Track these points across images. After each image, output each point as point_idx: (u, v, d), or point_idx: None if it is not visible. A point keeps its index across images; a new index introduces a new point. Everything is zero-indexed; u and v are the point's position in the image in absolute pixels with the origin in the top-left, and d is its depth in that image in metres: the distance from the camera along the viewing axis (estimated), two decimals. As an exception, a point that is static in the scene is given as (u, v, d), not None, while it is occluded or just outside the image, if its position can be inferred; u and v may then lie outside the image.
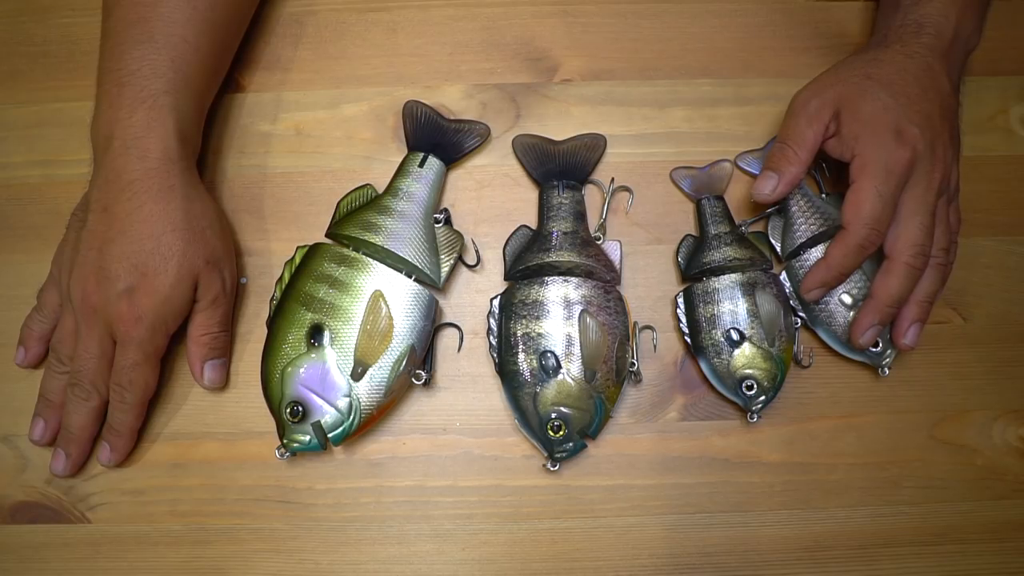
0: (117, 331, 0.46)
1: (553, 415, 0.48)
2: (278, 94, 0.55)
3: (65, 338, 0.48)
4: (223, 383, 0.50)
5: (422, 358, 0.50)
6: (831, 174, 0.54)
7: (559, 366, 0.49)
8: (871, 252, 0.47)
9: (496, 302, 0.51)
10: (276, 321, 0.48)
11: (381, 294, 0.48)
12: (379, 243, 0.49)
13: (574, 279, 0.50)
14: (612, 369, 0.49)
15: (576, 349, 0.49)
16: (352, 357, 0.47)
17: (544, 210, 0.52)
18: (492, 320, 0.51)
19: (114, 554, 0.50)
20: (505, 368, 0.50)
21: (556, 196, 0.52)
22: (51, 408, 0.49)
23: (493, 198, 0.54)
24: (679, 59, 0.56)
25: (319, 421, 0.47)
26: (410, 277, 0.49)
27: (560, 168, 0.53)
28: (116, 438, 0.48)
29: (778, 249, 0.52)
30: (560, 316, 0.49)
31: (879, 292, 0.48)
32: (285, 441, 0.47)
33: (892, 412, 0.52)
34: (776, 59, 0.56)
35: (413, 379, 0.49)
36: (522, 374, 0.49)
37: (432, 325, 0.50)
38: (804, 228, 0.51)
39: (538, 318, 0.49)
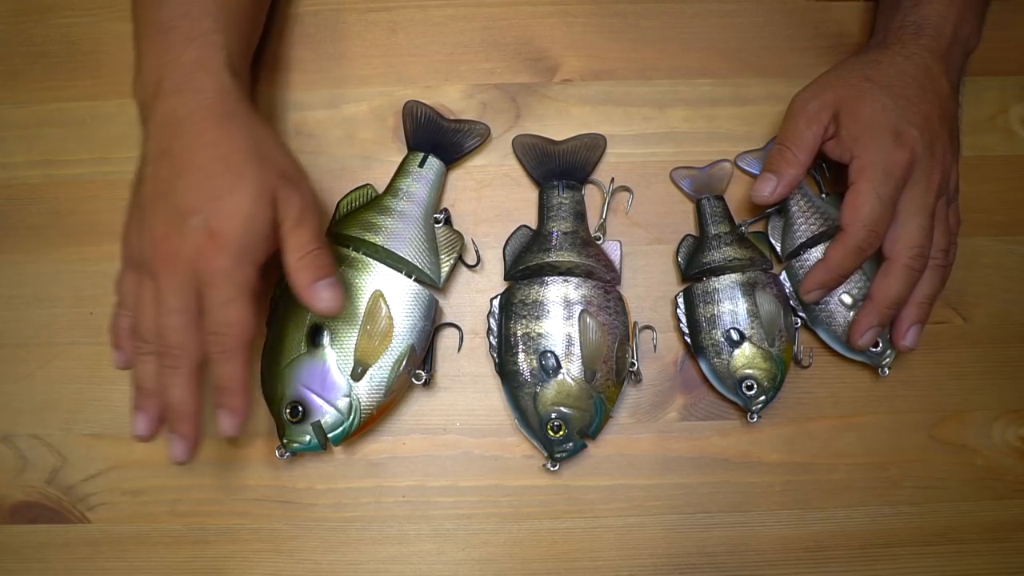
0: (200, 269, 0.41)
1: (553, 415, 0.48)
2: (278, 94, 0.55)
3: (144, 309, 0.43)
4: (342, 303, 0.44)
5: (422, 358, 0.50)
6: (831, 174, 0.54)
7: (559, 366, 0.49)
8: (870, 254, 0.47)
9: (496, 302, 0.51)
10: (276, 321, 0.48)
11: (381, 294, 0.48)
12: (379, 243, 0.49)
13: (574, 279, 0.50)
14: (612, 369, 0.49)
15: (576, 349, 0.49)
16: (352, 357, 0.47)
17: (544, 210, 0.52)
18: (492, 320, 0.51)
19: (114, 554, 0.50)
20: (505, 368, 0.50)
21: (556, 196, 0.52)
22: (148, 395, 0.44)
23: (493, 198, 0.54)
24: (679, 59, 0.56)
25: (319, 421, 0.47)
26: (410, 277, 0.49)
27: (560, 168, 0.53)
28: (229, 396, 0.43)
29: (778, 249, 0.52)
30: (560, 316, 0.49)
31: (878, 293, 0.48)
32: (285, 441, 0.47)
33: (892, 412, 0.52)
34: (776, 59, 0.56)
35: (413, 379, 0.49)
36: (522, 374, 0.49)
37: (432, 325, 0.50)
38: (804, 228, 0.51)
39: (538, 318, 0.49)
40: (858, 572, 0.50)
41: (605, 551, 0.50)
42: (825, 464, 0.51)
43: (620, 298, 0.51)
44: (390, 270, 0.49)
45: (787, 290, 0.52)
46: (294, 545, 0.50)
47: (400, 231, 0.50)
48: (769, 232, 0.53)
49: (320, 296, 0.43)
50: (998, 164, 0.55)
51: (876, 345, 0.50)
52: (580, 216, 0.52)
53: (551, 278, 0.50)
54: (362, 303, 0.48)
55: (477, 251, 0.52)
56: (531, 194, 0.54)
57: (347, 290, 0.48)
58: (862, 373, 0.52)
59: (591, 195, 0.54)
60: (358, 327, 0.48)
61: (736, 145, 0.55)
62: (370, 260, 0.49)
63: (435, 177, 0.52)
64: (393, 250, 0.49)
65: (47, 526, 0.50)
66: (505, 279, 0.52)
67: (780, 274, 0.52)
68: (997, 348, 0.53)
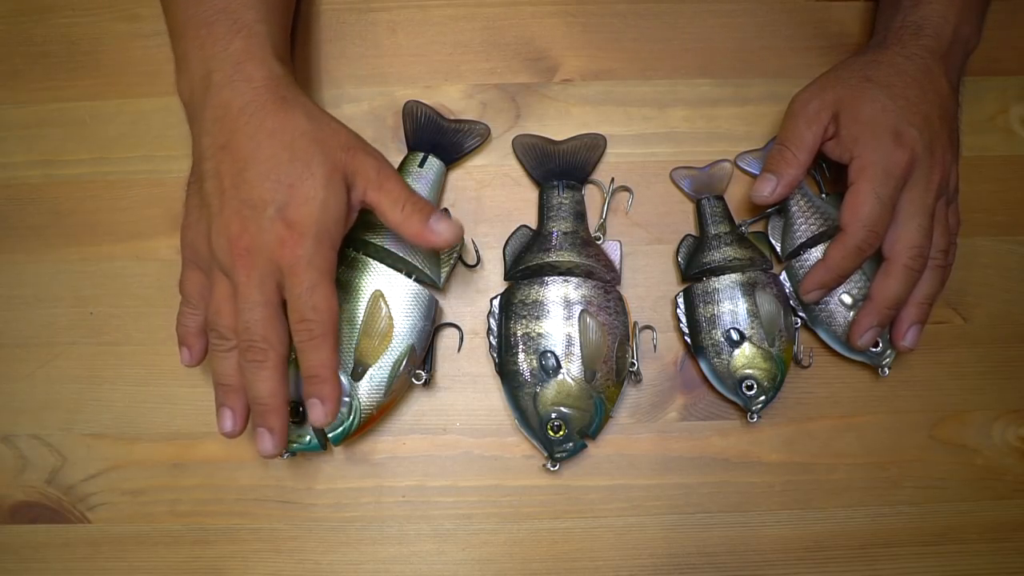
0: (281, 259, 0.41)
1: (553, 415, 0.48)
2: (278, 94, 0.55)
3: (221, 306, 0.43)
4: (460, 231, 0.45)
5: (422, 358, 0.50)
6: (831, 174, 0.54)
7: (559, 366, 0.49)
8: (870, 254, 0.47)
9: (496, 302, 0.51)
10: None
11: (381, 294, 0.48)
12: (379, 243, 0.49)
13: (574, 279, 0.50)
14: (612, 369, 0.49)
15: (576, 349, 0.49)
16: (352, 357, 0.47)
17: (544, 210, 0.52)
18: (492, 320, 0.51)
19: (114, 554, 0.50)
20: (505, 368, 0.50)
21: (556, 196, 0.52)
22: (232, 392, 0.44)
23: (493, 198, 0.54)
24: (679, 59, 0.56)
25: None
26: (410, 277, 0.49)
27: (560, 168, 0.53)
28: (320, 384, 0.43)
29: (778, 249, 0.52)
30: (560, 316, 0.49)
31: (877, 294, 0.48)
32: None
33: (892, 412, 0.52)
34: (776, 59, 0.56)
35: (413, 379, 0.49)
36: (522, 374, 0.49)
37: (432, 325, 0.50)
38: (804, 228, 0.51)
39: (538, 318, 0.49)
40: (858, 572, 0.50)
41: (605, 551, 0.50)
42: (825, 464, 0.51)
43: (620, 298, 0.51)
44: (390, 270, 0.49)
45: (787, 290, 0.52)
46: (294, 545, 0.50)
47: (400, 231, 0.50)
48: (769, 232, 0.53)
49: (437, 231, 0.44)
50: (998, 164, 0.55)
51: (876, 345, 0.50)
52: (580, 216, 0.52)
53: (551, 278, 0.50)
54: (362, 303, 0.48)
55: (477, 251, 0.52)
56: (531, 194, 0.54)
57: (347, 290, 0.48)
58: (862, 373, 0.52)
59: (591, 195, 0.54)
60: (358, 327, 0.48)
61: (736, 145, 0.55)
62: (370, 260, 0.49)
63: (435, 177, 0.52)
64: (393, 250, 0.49)
65: (47, 526, 0.50)
66: (505, 279, 0.52)
67: (780, 274, 0.52)
68: (997, 348, 0.53)
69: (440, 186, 0.53)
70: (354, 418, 0.47)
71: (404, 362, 0.48)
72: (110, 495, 0.50)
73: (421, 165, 0.52)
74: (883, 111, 0.47)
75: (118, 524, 0.50)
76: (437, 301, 0.50)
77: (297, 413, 0.46)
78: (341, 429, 0.47)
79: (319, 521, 0.50)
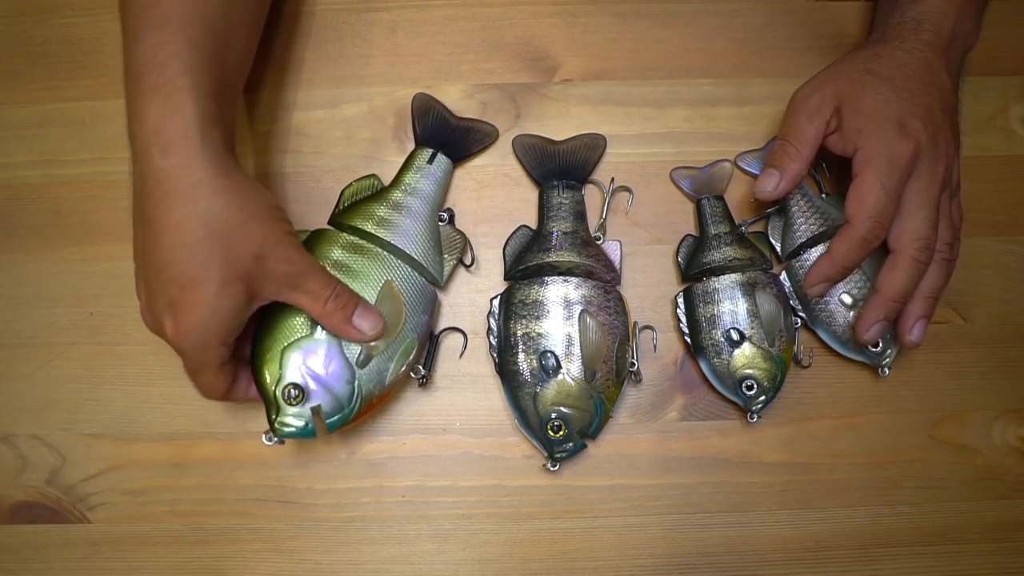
0: (172, 339, 0.42)
1: (553, 415, 0.48)
2: (278, 94, 0.55)
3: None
4: (381, 323, 0.46)
5: (421, 353, 0.49)
6: (831, 174, 0.54)
7: (559, 366, 0.49)
8: (875, 246, 0.47)
9: (496, 302, 0.51)
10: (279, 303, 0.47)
11: (394, 283, 0.48)
12: (385, 238, 0.49)
13: (574, 279, 0.50)
14: (612, 369, 0.49)
15: (576, 349, 0.49)
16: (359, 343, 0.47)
17: (544, 210, 0.52)
18: (492, 320, 0.51)
19: (114, 554, 0.50)
20: (505, 368, 0.50)
21: (556, 196, 0.52)
22: None
23: (493, 198, 0.54)
24: (679, 59, 0.56)
25: (319, 405, 0.45)
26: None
27: (560, 168, 0.53)
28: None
29: (778, 249, 0.52)
30: (560, 316, 0.49)
31: (884, 287, 0.47)
32: (276, 425, 0.45)
33: (892, 412, 0.52)
34: (776, 59, 0.56)
35: (412, 374, 0.48)
36: (522, 374, 0.49)
37: (431, 319, 0.50)
38: (804, 228, 0.51)
39: (538, 318, 0.49)
40: (858, 572, 0.50)
41: (605, 551, 0.50)
42: (825, 464, 0.51)
43: (620, 298, 0.51)
44: (398, 262, 0.49)
45: (787, 290, 0.52)
46: (294, 545, 0.50)
47: (407, 227, 0.49)
48: (769, 232, 0.53)
49: (360, 327, 0.45)
50: (998, 164, 0.55)
51: (876, 345, 0.50)
52: (580, 216, 0.52)
53: (551, 278, 0.50)
54: (369, 290, 0.47)
55: (472, 251, 0.52)
56: (531, 194, 0.54)
57: (356, 278, 0.47)
58: (862, 373, 0.52)
59: (591, 195, 0.54)
60: None
61: (736, 145, 0.55)
62: (379, 249, 0.49)
63: (443, 175, 0.52)
64: (399, 246, 0.49)
65: (47, 526, 0.50)
66: (505, 279, 0.52)
67: (780, 274, 0.52)
68: (997, 348, 0.53)
69: (446, 184, 0.52)
70: (355, 405, 0.46)
71: (411, 354, 0.47)
72: (110, 495, 0.50)
73: (430, 162, 0.52)
74: (886, 103, 0.47)
75: (118, 524, 0.50)
76: (438, 296, 0.50)
77: (293, 395, 0.45)
78: (339, 416, 0.46)
79: (319, 521, 0.50)
